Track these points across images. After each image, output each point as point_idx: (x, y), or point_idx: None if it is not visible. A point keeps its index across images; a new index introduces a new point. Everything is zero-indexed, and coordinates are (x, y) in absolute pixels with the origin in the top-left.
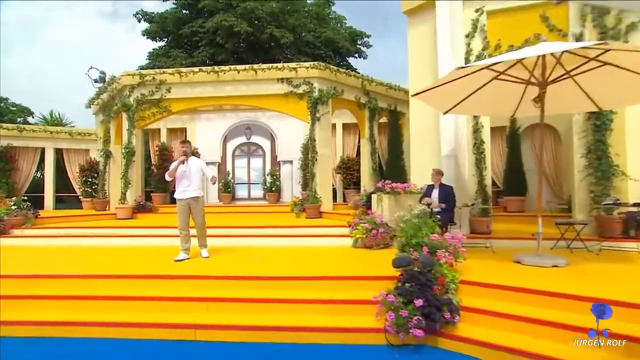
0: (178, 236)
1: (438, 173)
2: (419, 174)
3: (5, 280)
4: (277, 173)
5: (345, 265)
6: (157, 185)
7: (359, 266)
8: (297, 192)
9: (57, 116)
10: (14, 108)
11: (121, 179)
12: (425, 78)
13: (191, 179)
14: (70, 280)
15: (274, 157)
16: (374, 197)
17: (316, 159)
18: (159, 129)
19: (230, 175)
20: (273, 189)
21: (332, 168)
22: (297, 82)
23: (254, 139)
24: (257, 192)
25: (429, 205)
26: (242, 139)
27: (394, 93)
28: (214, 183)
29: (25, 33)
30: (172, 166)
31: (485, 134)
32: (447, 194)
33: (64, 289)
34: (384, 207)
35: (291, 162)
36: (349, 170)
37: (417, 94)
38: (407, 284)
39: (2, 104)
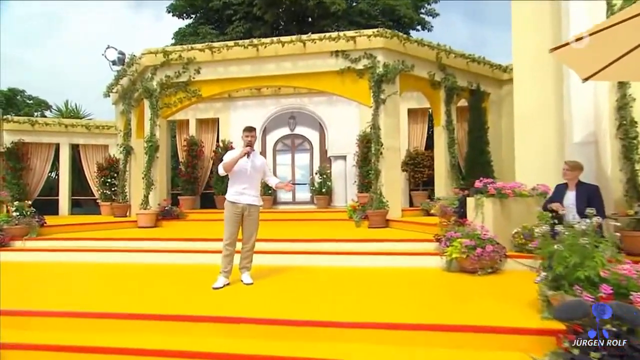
0: (211, 252)
1: (575, 167)
2: (526, 171)
3: None
4: (328, 171)
5: (453, 302)
6: (186, 187)
7: (475, 306)
8: (353, 195)
9: (74, 107)
10: (31, 101)
11: (143, 179)
12: (540, 38)
13: (252, 180)
14: (71, 321)
15: (323, 151)
16: (471, 201)
17: (381, 153)
18: (187, 120)
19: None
20: (323, 190)
21: None
22: (355, 56)
23: (300, 130)
24: (304, 194)
25: (554, 212)
26: (285, 131)
27: (477, 67)
28: (289, 189)
29: (47, 27)
30: (230, 157)
31: (638, 111)
32: (592, 197)
33: (61, 334)
34: (486, 215)
35: (344, 157)
36: (417, 166)
37: (562, 45)
38: (594, 354)
39: (18, 97)
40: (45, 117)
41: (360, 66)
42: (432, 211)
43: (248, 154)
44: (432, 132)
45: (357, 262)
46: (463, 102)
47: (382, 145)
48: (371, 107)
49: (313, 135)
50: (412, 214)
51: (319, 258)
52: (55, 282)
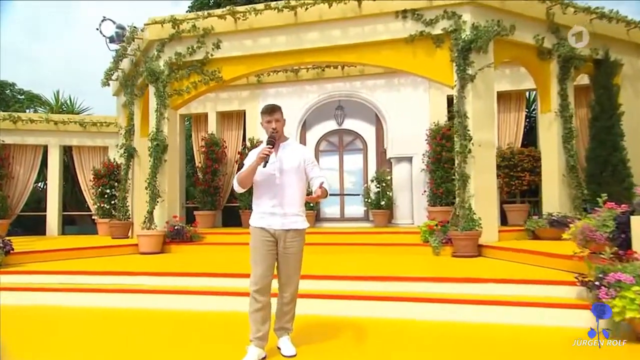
0: (238, 294)
1: None
2: None
3: None
4: (388, 177)
5: None
6: (204, 199)
7: None
8: (421, 209)
9: (68, 100)
10: (22, 96)
11: (146, 188)
12: None
13: (286, 191)
14: None
15: (381, 152)
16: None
17: (470, 151)
18: (206, 115)
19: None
20: (382, 203)
21: None
22: (431, 16)
23: (349, 124)
24: (355, 208)
25: None
26: (331, 125)
27: (605, 27)
28: (319, 198)
29: (57, 19)
30: (247, 164)
31: None
32: None
33: None
34: None
35: (410, 159)
36: (513, 170)
37: None
38: None
39: (7, 91)
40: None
41: (437, 30)
42: (565, 236)
43: (266, 160)
44: (532, 122)
45: (448, 315)
46: (580, 80)
47: (470, 140)
48: (454, 87)
49: (367, 131)
50: (512, 237)
51: (390, 306)
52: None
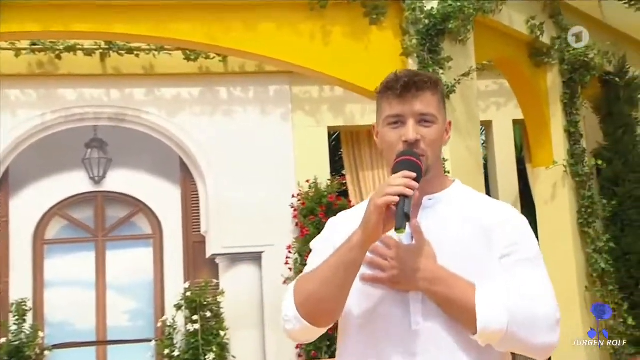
0: None
1: None
2: None
3: None
4: (218, 298)
5: None
6: None
7: None
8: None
9: None
10: None
11: None
12: None
13: (430, 339)
14: None
15: (193, 242)
16: None
17: None
18: None
19: (27, 322)
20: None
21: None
22: None
23: (120, 179)
24: None
25: None
26: (75, 182)
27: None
28: None
29: None
30: (322, 252)
31: None
32: None
33: None
34: None
35: (259, 258)
36: None
37: None
38: None
39: None
40: None
41: None
42: None
43: (405, 212)
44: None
45: None
46: None
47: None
48: None
49: (163, 196)
50: None
51: None
52: None
